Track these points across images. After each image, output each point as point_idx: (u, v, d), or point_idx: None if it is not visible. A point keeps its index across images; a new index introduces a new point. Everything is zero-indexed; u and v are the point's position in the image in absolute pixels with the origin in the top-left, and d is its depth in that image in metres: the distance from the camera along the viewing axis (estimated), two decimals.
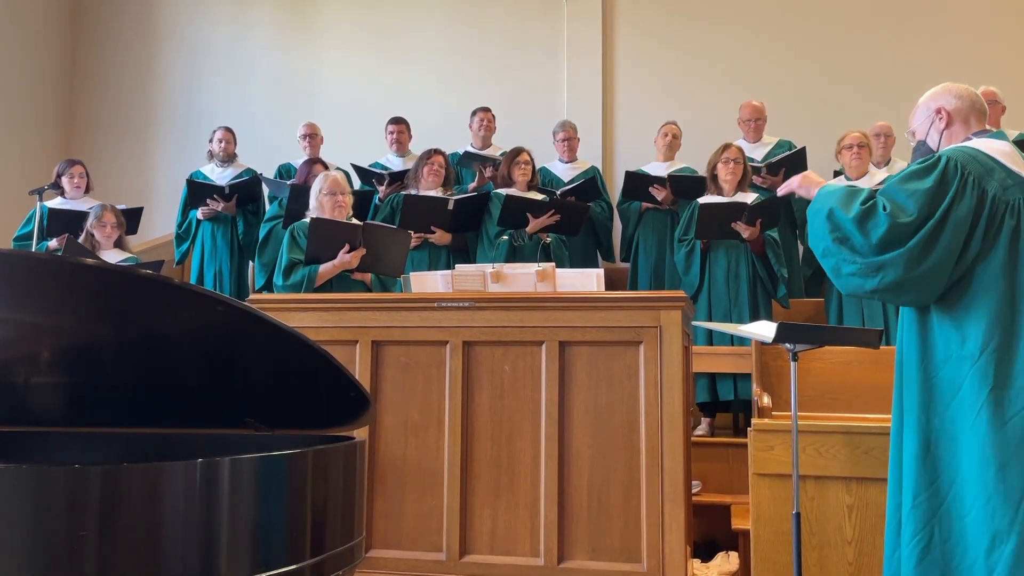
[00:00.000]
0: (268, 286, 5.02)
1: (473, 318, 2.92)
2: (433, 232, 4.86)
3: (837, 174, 4.77)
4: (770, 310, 4.57)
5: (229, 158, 5.69)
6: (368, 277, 3.97)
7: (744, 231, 4.42)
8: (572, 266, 4.85)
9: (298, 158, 5.59)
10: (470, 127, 5.73)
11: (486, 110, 5.72)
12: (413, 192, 4.93)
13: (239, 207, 5.49)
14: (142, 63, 7.43)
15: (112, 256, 4.62)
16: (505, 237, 4.88)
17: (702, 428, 4.45)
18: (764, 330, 2.66)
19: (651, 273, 5.19)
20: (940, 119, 2.34)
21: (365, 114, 6.66)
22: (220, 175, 5.62)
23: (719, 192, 4.61)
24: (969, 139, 2.27)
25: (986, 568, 2.04)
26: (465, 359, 2.92)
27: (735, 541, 3.42)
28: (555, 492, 2.79)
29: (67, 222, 4.85)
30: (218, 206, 5.39)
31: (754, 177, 4.91)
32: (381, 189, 5.36)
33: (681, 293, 2.89)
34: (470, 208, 4.95)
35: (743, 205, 4.45)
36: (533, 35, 6.81)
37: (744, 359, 4.09)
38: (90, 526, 1.41)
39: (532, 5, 6.83)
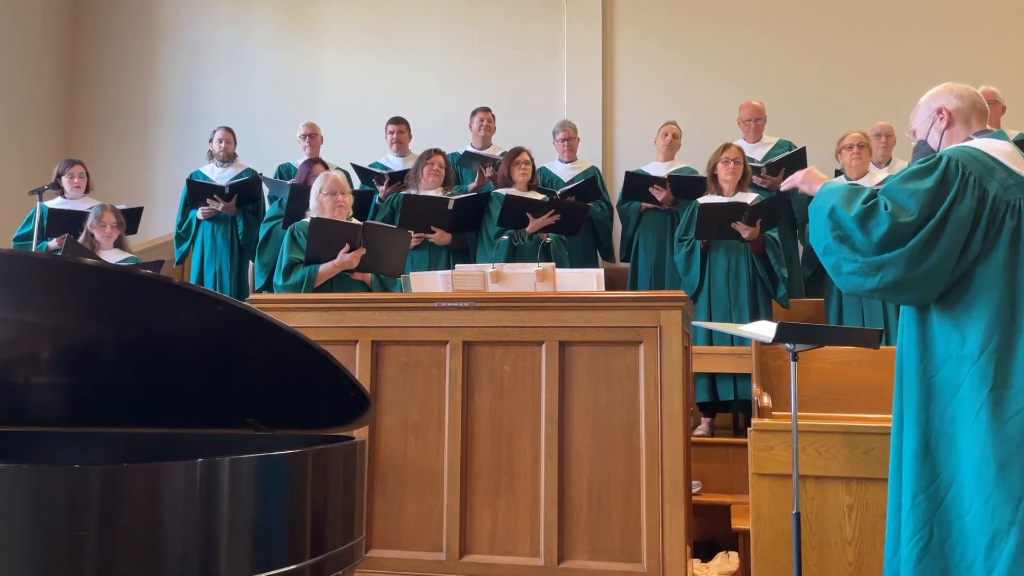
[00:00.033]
0: (268, 286, 5.03)
1: (473, 318, 2.92)
2: (433, 232, 4.86)
3: (838, 174, 4.77)
4: (770, 310, 4.57)
5: (229, 158, 5.69)
6: (368, 277, 3.97)
7: (744, 231, 4.42)
8: (572, 266, 4.84)
9: (298, 158, 5.59)
10: (470, 127, 5.73)
11: (486, 110, 5.72)
12: (413, 192, 4.93)
13: (239, 207, 5.49)
14: (142, 63, 7.43)
15: (112, 256, 4.62)
16: (505, 237, 4.88)
17: (702, 428, 4.45)
18: (764, 330, 2.66)
19: (651, 273, 5.19)
20: (941, 119, 2.34)
21: (365, 114, 6.66)
22: (220, 175, 5.62)
23: (719, 192, 4.61)
24: (970, 139, 2.28)
25: (985, 567, 2.04)
26: (465, 359, 2.92)
27: (735, 541, 3.42)
28: (555, 492, 2.79)
29: (67, 222, 4.85)
30: (218, 206, 5.39)
31: (754, 177, 4.91)
32: (381, 189, 5.36)
33: (681, 293, 2.89)
34: (470, 208, 4.95)
35: (743, 205, 4.45)
36: (533, 35, 6.81)
37: (744, 359, 4.09)
38: (90, 526, 1.41)
39: (532, 5, 6.83)
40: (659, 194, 5.12)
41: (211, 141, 5.74)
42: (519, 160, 5.02)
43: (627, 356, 2.82)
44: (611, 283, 4.09)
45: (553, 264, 3.31)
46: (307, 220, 4.00)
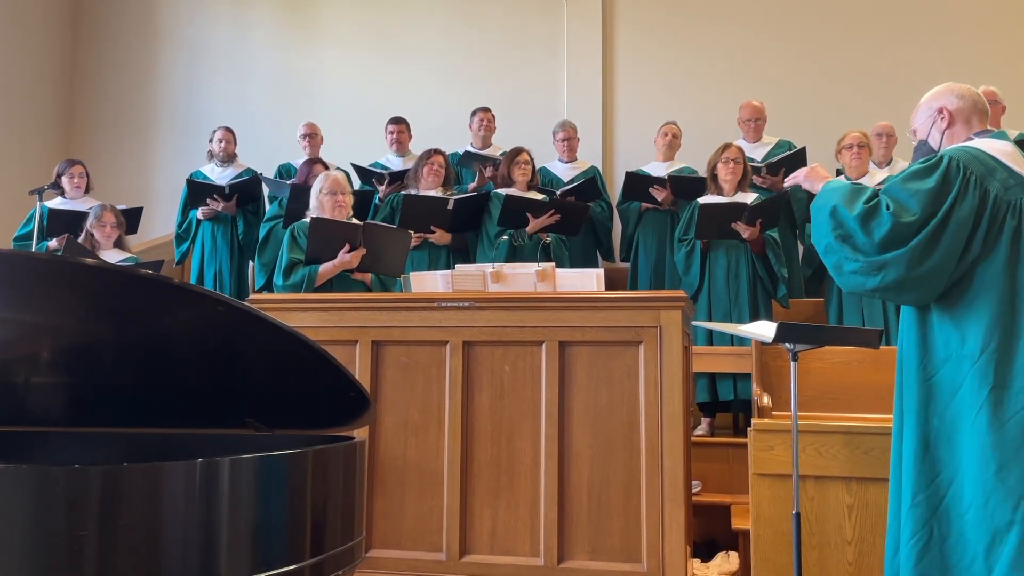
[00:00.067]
0: (268, 286, 5.03)
1: (473, 318, 2.92)
2: (433, 232, 4.86)
3: (838, 173, 4.77)
4: (770, 310, 4.57)
5: (229, 158, 5.69)
6: (368, 277, 3.97)
7: (744, 231, 4.42)
8: (572, 266, 4.84)
9: (298, 158, 5.59)
10: (470, 127, 5.73)
11: (486, 110, 5.72)
12: (413, 192, 4.93)
13: (239, 207, 5.49)
14: (142, 63, 7.43)
15: (112, 256, 4.62)
16: (505, 237, 4.88)
17: (702, 428, 4.45)
18: (764, 330, 2.66)
19: (651, 273, 5.19)
20: (942, 119, 2.34)
21: (365, 114, 6.66)
22: (220, 175, 5.62)
23: (719, 192, 4.61)
24: (971, 139, 2.28)
25: (986, 567, 2.04)
26: (465, 359, 2.92)
27: (735, 541, 3.42)
28: (555, 492, 2.79)
29: (67, 222, 4.85)
30: (218, 206, 5.39)
31: (754, 177, 4.91)
32: (381, 189, 5.36)
33: (681, 293, 2.89)
34: (470, 208, 4.95)
35: (743, 205, 4.45)
36: (533, 35, 6.81)
37: (744, 359, 4.09)
38: (90, 526, 1.41)
39: (532, 5, 6.83)
40: (659, 194, 5.12)
41: (211, 141, 5.74)
42: (519, 160, 5.02)
43: (627, 356, 2.82)
44: (611, 283, 4.09)
45: (553, 264, 3.31)
46: (307, 220, 4.00)
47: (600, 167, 6.12)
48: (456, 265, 3.51)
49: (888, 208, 2.16)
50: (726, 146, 4.65)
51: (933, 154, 2.26)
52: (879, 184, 4.23)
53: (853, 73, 6.24)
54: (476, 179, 5.51)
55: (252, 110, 7.06)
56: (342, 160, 5.54)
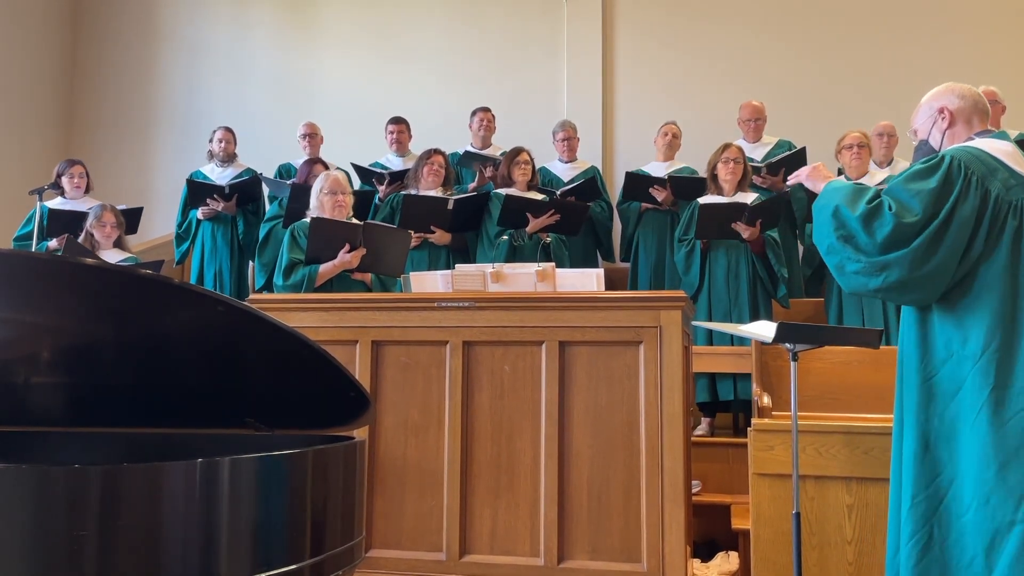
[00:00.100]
0: (268, 286, 5.03)
1: (473, 318, 2.92)
2: (433, 232, 4.86)
3: (839, 173, 4.77)
4: (770, 310, 4.57)
5: (229, 158, 5.69)
6: (368, 277, 3.97)
7: (744, 231, 4.42)
8: (572, 266, 4.84)
9: (298, 158, 5.59)
10: (470, 127, 5.73)
11: (486, 110, 5.72)
12: (413, 192, 4.93)
13: (239, 207, 5.49)
14: (142, 63, 7.43)
15: (112, 256, 4.62)
16: (505, 237, 4.88)
17: (702, 428, 4.45)
18: (764, 330, 2.66)
19: (651, 273, 5.19)
20: (943, 119, 2.34)
21: (365, 114, 6.66)
22: (220, 175, 5.62)
23: (719, 192, 4.61)
24: (971, 139, 2.28)
25: (986, 566, 2.04)
26: (465, 359, 2.92)
27: (735, 541, 3.42)
28: (555, 492, 2.79)
29: (67, 222, 4.85)
30: (218, 206, 5.39)
31: (754, 177, 4.91)
32: (381, 189, 5.36)
33: (681, 293, 2.89)
34: (470, 208, 4.95)
35: (743, 205, 4.45)
36: (533, 35, 6.81)
37: (744, 359, 4.09)
38: (90, 526, 1.41)
39: (532, 5, 6.83)
40: (659, 195, 5.12)
41: (211, 141, 5.74)
42: (519, 160, 5.02)
43: (627, 356, 2.82)
44: (611, 283, 4.09)
45: (553, 264, 3.31)
46: (307, 220, 4.00)
47: (600, 167, 6.12)
48: (456, 265, 3.51)
49: (890, 208, 2.16)
50: (726, 146, 4.65)
51: (934, 154, 2.26)
52: (880, 184, 4.24)
53: (853, 73, 6.24)
54: (476, 179, 5.51)
55: (252, 110, 7.06)
56: (342, 160, 5.53)
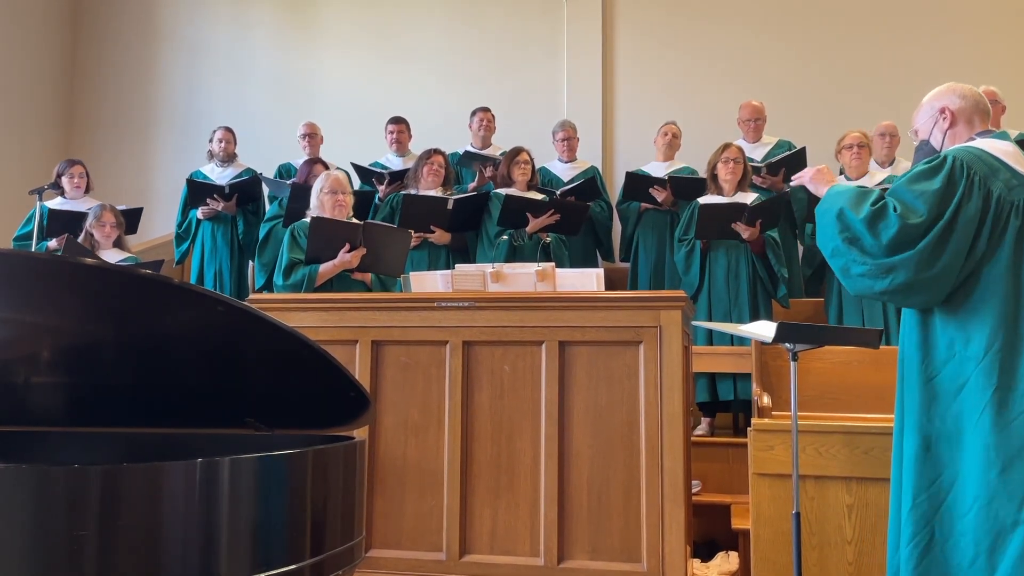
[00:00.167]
0: (268, 286, 5.03)
1: (473, 318, 2.92)
2: (433, 232, 4.86)
3: (839, 173, 4.77)
4: (770, 310, 4.57)
5: (229, 158, 5.69)
6: (368, 277, 3.97)
7: (744, 231, 4.42)
8: (572, 266, 4.84)
9: (298, 158, 5.59)
10: (470, 127, 5.73)
11: (486, 110, 5.72)
12: (413, 192, 4.93)
13: (239, 207, 5.49)
14: (142, 63, 7.43)
15: (112, 256, 4.62)
16: (505, 237, 4.88)
17: (702, 428, 4.45)
18: (764, 330, 2.66)
19: (651, 273, 5.19)
20: (944, 119, 2.33)
21: (365, 114, 6.66)
22: (220, 175, 5.63)
23: (719, 192, 4.61)
24: (973, 139, 2.27)
25: (988, 567, 2.04)
26: (465, 359, 2.92)
27: (735, 541, 3.42)
28: (555, 492, 2.79)
29: (67, 222, 4.85)
30: (218, 206, 5.39)
31: (754, 177, 4.91)
32: (381, 189, 5.36)
33: (681, 293, 2.89)
34: (470, 208, 4.95)
35: (743, 205, 4.45)
36: (533, 35, 6.81)
37: (744, 359, 4.09)
38: (90, 526, 1.41)
39: (532, 5, 6.83)
40: (659, 195, 5.12)
41: (211, 141, 5.74)
42: (519, 160, 5.02)
43: (627, 356, 2.82)
44: (611, 283, 4.09)
45: (553, 264, 3.31)
46: (307, 220, 4.00)
47: (600, 167, 6.12)
48: (456, 265, 3.51)
49: (895, 210, 2.15)
50: (726, 146, 4.65)
51: (936, 154, 2.26)
52: (880, 184, 4.24)
53: (853, 73, 6.24)
54: (476, 179, 5.51)
55: (252, 110, 7.06)
56: (342, 160, 5.53)
